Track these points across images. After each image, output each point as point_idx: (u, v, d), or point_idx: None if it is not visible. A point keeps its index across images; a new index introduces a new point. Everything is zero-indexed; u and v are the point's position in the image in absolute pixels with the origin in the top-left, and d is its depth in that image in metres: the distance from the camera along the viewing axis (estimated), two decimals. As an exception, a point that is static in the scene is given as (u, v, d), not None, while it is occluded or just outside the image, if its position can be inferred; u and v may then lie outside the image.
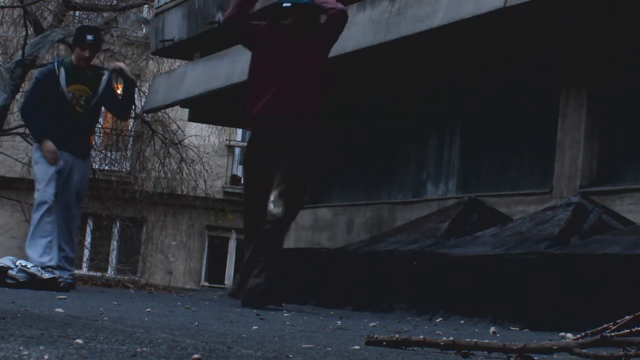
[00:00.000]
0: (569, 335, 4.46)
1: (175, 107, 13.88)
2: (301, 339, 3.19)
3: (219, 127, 19.54)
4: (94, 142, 8.74)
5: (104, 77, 7.91)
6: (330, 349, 2.77)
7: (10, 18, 16.07)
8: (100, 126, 16.89)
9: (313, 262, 8.48)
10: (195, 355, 2.15)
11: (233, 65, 10.52)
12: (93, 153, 14.26)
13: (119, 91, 8.51)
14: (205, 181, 17.24)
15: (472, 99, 8.88)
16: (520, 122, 8.29)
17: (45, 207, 7.53)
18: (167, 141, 16.51)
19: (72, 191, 7.82)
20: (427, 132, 9.43)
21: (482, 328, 5.35)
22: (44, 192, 7.57)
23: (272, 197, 6.28)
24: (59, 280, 6.89)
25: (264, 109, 6.59)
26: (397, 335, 2.95)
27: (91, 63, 7.99)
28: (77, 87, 7.79)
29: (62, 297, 5.48)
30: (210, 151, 20.25)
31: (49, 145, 7.60)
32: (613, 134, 7.42)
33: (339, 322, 4.79)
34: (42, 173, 7.65)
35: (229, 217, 19.72)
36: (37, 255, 7.34)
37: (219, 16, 11.25)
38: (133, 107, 8.64)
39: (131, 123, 19.03)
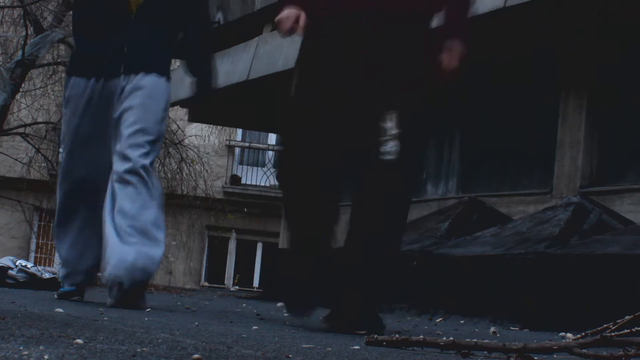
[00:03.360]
0: (569, 335, 4.46)
1: (175, 107, 13.88)
2: (301, 339, 3.19)
3: (219, 127, 19.55)
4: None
5: None
6: (330, 349, 2.77)
7: (10, 18, 16.05)
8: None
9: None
10: (195, 355, 2.15)
11: (233, 65, 10.52)
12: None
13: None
14: (205, 181, 17.22)
15: (472, 99, 8.87)
16: (520, 122, 8.29)
17: (64, 186, 4.95)
18: (167, 141, 16.51)
19: (117, 134, 4.65)
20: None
21: (482, 328, 5.34)
22: (62, 161, 4.93)
23: (386, 137, 3.96)
24: (59, 280, 6.88)
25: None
26: (397, 335, 2.95)
27: None
28: None
29: (62, 297, 5.46)
30: (210, 151, 20.25)
31: None
32: (613, 134, 7.42)
33: (339, 322, 4.77)
34: (64, 128, 4.93)
35: (229, 217, 19.72)
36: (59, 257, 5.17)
37: (219, 16, 11.25)
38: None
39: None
